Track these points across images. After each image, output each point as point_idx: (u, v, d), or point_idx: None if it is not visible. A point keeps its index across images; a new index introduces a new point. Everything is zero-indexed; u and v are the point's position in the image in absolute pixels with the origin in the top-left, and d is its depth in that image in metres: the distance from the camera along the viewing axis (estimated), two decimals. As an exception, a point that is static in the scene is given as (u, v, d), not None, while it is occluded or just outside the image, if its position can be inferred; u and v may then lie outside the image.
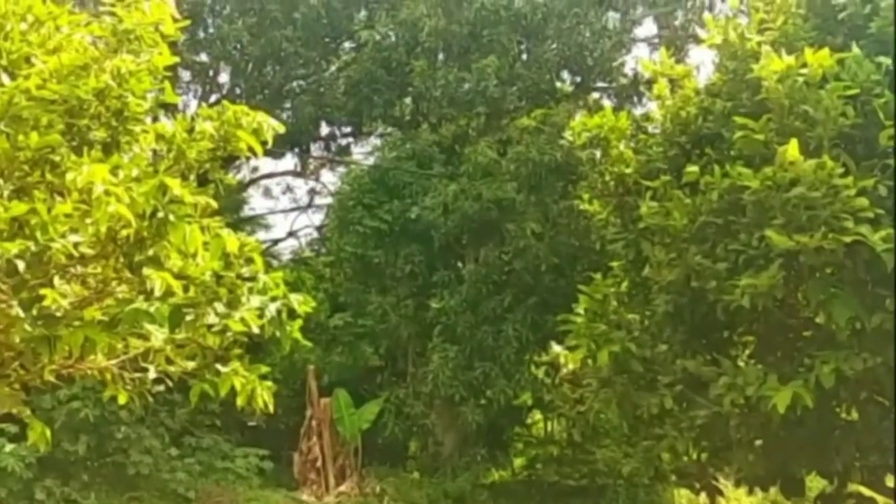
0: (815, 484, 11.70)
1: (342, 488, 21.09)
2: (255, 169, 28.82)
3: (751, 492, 11.91)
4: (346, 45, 25.03)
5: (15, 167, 6.33)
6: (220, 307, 6.39)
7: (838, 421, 10.29)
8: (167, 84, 7.32)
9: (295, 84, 25.34)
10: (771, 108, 9.54)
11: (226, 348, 6.83)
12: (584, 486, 21.84)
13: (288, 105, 24.96)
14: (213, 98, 24.48)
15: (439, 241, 21.63)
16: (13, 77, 6.67)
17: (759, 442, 10.59)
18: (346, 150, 27.33)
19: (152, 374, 7.04)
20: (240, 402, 6.92)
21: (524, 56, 22.64)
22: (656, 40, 24.23)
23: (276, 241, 29.07)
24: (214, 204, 6.42)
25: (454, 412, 21.43)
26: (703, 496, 12.06)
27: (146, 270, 6.10)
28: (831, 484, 10.80)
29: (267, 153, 10.12)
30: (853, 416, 10.27)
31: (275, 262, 25.67)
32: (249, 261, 6.63)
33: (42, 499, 17.80)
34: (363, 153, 27.24)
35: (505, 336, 20.88)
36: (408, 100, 23.48)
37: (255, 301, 6.51)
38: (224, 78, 25.77)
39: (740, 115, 9.78)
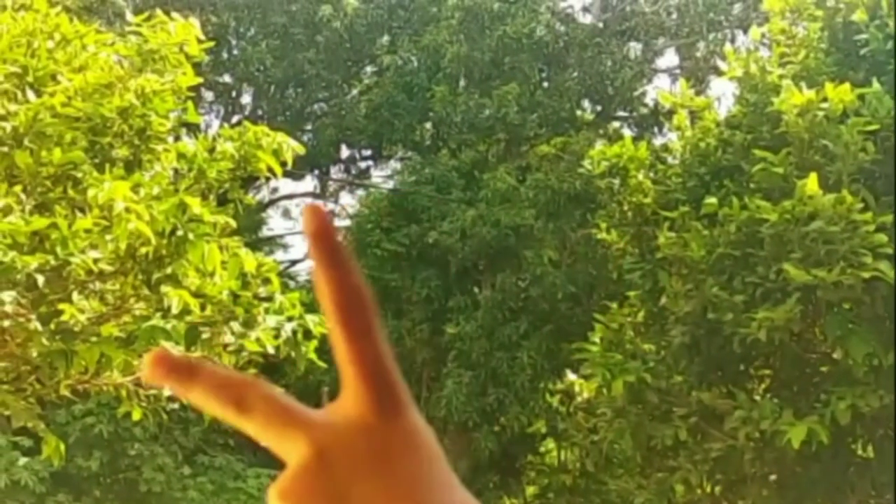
0: (830, 521, 11.58)
1: (353, 512, 21.02)
2: (274, 190, 28.95)
3: (764, 527, 11.80)
4: (368, 69, 25.19)
5: (38, 182, 6.39)
6: (236, 326, 6.42)
7: (854, 458, 10.21)
8: (190, 104, 7.40)
9: (316, 106, 25.48)
10: (791, 141, 9.53)
11: (241, 368, 6.85)
12: (595, 517, 21.66)
13: (309, 127, 25.10)
14: (234, 119, 24.64)
15: (456, 267, 21.64)
16: (39, 94, 6.75)
17: (773, 476, 10.51)
18: (365, 174, 27.43)
19: (167, 392, 7.06)
20: (253, 421, 6.91)
21: (545, 84, 22.70)
22: (677, 71, 24.27)
23: (293, 262, 29.16)
24: (233, 223, 6.46)
25: (467, 438, 21.35)
26: (715, 530, 11.96)
27: (164, 288, 6.14)
28: (845, 521, 10.70)
29: (287, 174, 10.18)
30: (869, 454, 10.19)
31: (292, 283, 25.70)
32: (267, 281, 6.66)
33: (53, 514, 17.81)
34: (382, 176, 27.34)
35: (520, 363, 20.82)
36: (428, 125, 23.56)
37: (272, 321, 6.54)
38: (246, 99, 25.95)
39: (760, 148, 9.78)
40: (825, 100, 9.37)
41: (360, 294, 0.55)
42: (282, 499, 0.52)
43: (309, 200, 29.69)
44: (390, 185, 25.42)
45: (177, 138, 7.64)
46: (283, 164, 7.04)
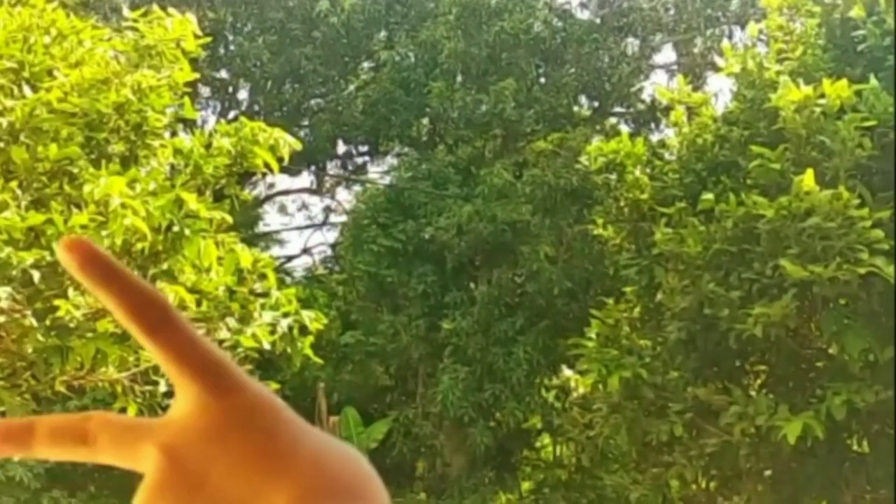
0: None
1: (349, 507, 21.02)
2: (271, 185, 28.93)
3: (759, 522, 11.82)
4: (365, 64, 25.17)
5: (34, 178, 6.38)
6: (232, 322, 6.42)
7: (849, 453, 10.23)
8: (186, 100, 7.39)
9: (313, 102, 25.47)
10: (788, 137, 9.54)
11: (237, 363, 6.84)
12: (591, 512, 21.68)
13: (306, 123, 25.08)
14: (231, 114, 24.62)
15: (452, 262, 21.64)
16: (35, 89, 6.73)
17: (768, 472, 10.53)
18: (362, 169, 27.42)
19: (162, 388, 7.06)
20: (249, 417, 6.90)
21: (542, 80, 22.69)
22: (675, 67, 24.27)
23: (289, 258, 29.13)
24: (230, 219, 6.46)
25: (463, 434, 21.37)
26: (711, 525, 11.98)
27: (160, 284, 6.13)
28: (841, 516, 10.72)
29: (283, 170, 10.17)
30: (864, 449, 10.20)
31: (288, 279, 25.71)
32: (263, 277, 6.66)
33: (49, 509, 17.80)
34: (379, 172, 27.33)
35: (516, 358, 20.84)
36: (425, 120, 23.56)
37: (268, 317, 6.54)
38: (243, 95, 25.92)
39: (757, 144, 9.79)
40: (822, 96, 9.38)
41: (144, 293, 0.54)
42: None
43: (305, 196, 29.68)
44: (387, 180, 25.41)
45: (173, 134, 7.63)
46: (280, 159, 7.04)
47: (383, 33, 24.38)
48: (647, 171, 11.70)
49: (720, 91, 19.06)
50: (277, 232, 30.01)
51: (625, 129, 21.08)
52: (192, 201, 6.02)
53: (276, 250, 28.24)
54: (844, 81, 9.40)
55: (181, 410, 0.54)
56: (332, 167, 27.70)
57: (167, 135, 7.42)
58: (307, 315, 6.76)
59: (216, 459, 0.52)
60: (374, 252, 22.09)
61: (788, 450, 9.33)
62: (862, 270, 8.56)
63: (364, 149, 26.93)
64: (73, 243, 0.54)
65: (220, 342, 6.44)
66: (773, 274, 9.28)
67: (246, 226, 24.35)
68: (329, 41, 23.92)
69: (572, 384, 12.08)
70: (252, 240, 23.32)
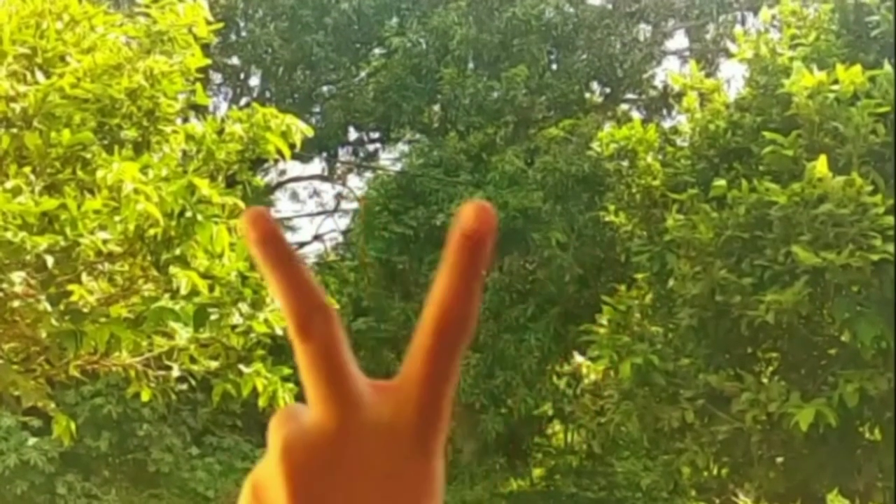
0: (837, 503, 11.61)
1: (360, 493, 21.09)
2: (282, 172, 28.97)
3: (771, 509, 11.83)
4: (377, 51, 25.13)
5: (47, 163, 6.41)
6: (244, 307, 6.43)
7: (861, 440, 10.22)
8: (198, 86, 7.39)
9: (325, 89, 25.45)
10: (801, 123, 9.50)
11: (249, 349, 6.87)
12: (602, 499, 21.73)
13: (317, 109, 25.08)
14: (243, 101, 24.62)
15: (464, 249, 21.62)
16: (48, 75, 6.75)
17: (780, 459, 10.53)
18: (373, 156, 27.42)
19: (176, 373, 7.09)
20: (262, 402, 6.96)
21: (554, 66, 22.62)
22: (687, 53, 24.16)
23: (301, 245, 29.19)
24: (242, 205, 6.47)
25: (474, 420, 21.41)
26: (722, 512, 11.99)
27: (173, 269, 6.15)
28: (852, 503, 10.71)
29: (295, 157, 10.18)
30: (876, 436, 10.19)
31: (299, 266, 25.76)
32: (275, 262, 6.66)
33: (63, 493, 17.94)
34: (391, 159, 27.32)
35: (527, 345, 20.85)
36: (436, 107, 23.53)
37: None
38: (255, 81, 25.92)
39: (770, 131, 9.75)
40: (835, 82, 9.34)
41: (469, 311, 0.51)
42: (285, 447, 0.50)
43: (317, 183, 29.72)
44: (398, 167, 25.40)
45: (185, 120, 7.64)
46: (292, 146, 7.05)
47: (395, 19, 24.32)
48: (659, 157, 11.68)
49: (733, 77, 19.01)
50: (289, 218, 30.05)
51: (637, 115, 21.01)
52: (204, 187, 6.03)
53: (287, 237, 28.25)
54: (858, 67, 9.36)
55: (383, 410, 0.51)
56: (344, 154, 27.70)
57: (179, 121, 7.43)
58: (319, 301, 6.77)
59: (361, 488, 0.49)
60: (386, 239, 22.11)
61: (800, 437, 9.33)
62: (875, 257, 8.53)
63: (375, 135, 26.93)
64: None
65: (233, 327, 6.47)
66: (785, 261, 9.26)
67: (258, 212, 24.37)
68: (340, 27, 23.89)
69: (584, 371, 12.08)
70: (264, 226, 23.32)
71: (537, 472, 24.07)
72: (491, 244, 0.52)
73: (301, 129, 7.04)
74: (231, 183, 7.16)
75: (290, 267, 0.52)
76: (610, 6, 22.91)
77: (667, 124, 16.81)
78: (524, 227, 20.90)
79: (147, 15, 7.34)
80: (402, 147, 26.49)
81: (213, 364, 7.02)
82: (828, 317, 9.52)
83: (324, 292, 0.54)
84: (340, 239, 29.09)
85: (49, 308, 5.96)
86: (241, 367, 6.94)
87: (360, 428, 0.49)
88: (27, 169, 6.32)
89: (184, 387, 7.40)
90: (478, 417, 21.31)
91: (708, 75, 12.79)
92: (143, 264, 6.38)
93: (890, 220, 8.64)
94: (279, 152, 7.07)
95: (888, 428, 9.93)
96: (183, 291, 6.06)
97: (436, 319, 0.51)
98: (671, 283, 10.96)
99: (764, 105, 10.60)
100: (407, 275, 22.06)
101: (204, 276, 6.19)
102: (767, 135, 9.64)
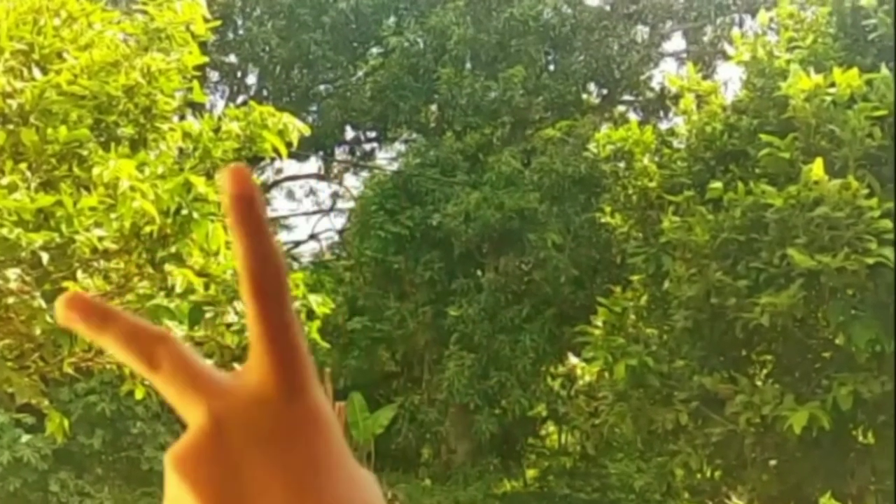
0: (830, 506, 11.62)
1: (354, 492, 21.06)
2: (279, 170, 28.96)
3: (764, 512, 11.84)
4: (374, 50, 25.13)
5: (43, 160, 6.39)
6: (239, 306, 6.42)
7: (854, 444, 10.23)
8: (195, 83, 7.38)
9: (322, 88, 25.45)
10: (797, 126, 9.51)
11: (244, 348, 6.86)
12: (595, 500, 21.74)
13: (314, 108, 25.07)
14: (240, 99, 24.61)
15: (459, 249, 21.64)
16: (45, 72, 6.74)
17: (773, 462, 10.54)
18: (370, 155, 27.42)
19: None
20: (256, 401, 6.93)
21: (551, 67, 22.64)
22: (684, 55, 24.19)
23: (297, 244, 29.19)
24: (238, 203, 6.45)
25: (468, 420, 21.42)
26: (715, 514, 12.00)
27: (168, 267, 6.15)
28: (845, 507, 10.73)
29: (291, 155, 10.18)
30: (869, 440, 10.20)
31: (295, 264, 25.78)
32: (270, 261, 6.66)
33: (56, 491, 17.91)
34: (387, 158, 27.32)
35: (522, 346, 20.86)
36: (433, 107, 23.53)
37: (275, 301, 6.54)
38: (252, 79, 25.91)
39: (766, 133, 9.76)
40: (832, 85, 9.35)
41: (275, 264, 0.53)
42: (175, 464, 0.51)
43: (313, 182, 29.70)
44: (395, 167, 25.41)
45: (182, 117, 7.63)
46: (289, 144, 7.04)
47: (392, 19, 24.32)
48: (656, 159, 11.68)
49: (730, 79, 18.98)
50: (285, 217, 30.04)
51: (633, 116, 21.05)
52: (200, 185, 6.02)
53: (283, 235, 28.30)
54: (855, 70, 9.37)
55: (247, 385, 0.53)
56: (340, 153, 27.71)
57: (176, 118, 7.43)
58: (314, 300, 6.77)
59: (258, 456, 0.51)
60: (382, 238, 22.10)
61: (794, 440, 9.34)
62: (870, 261, 8.55)
63: (372, 135, 26.92)
64: (240, 171, 0.54)
65: (228, 326, 6.46)
66: (780, 263, 9.27)
67: (253, 211, 24.33)
68: (338, 26, 23.88)
69: (578, 372, 12.08)
70: (259, 225, 23.27)
71: (531, 473, 24.08)
72: (258, 197, 0.54)
73: (298, 128, 7.04)
74: (227, 181, 7.15)
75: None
76: (608, 8, 22.93)
77: (663, 126, 16.83)
78: (520, 228, 20.91)
79: (144, 12, 7.33)
80: (399, 146, 26.49)
81: (208, 362, 6.99)
82: (822, 320, 9.54)
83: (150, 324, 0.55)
84: (336, 238, 29.08)
85: (44, 305, 5.95)
86: (236, 365, 6.92)
87: (233, 410, 0.52)
88: (23, 165, 6.31)
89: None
90: (472, 418, 21.31)
91: (705, 77, 12.81)
92: (139, 262, 6.37)
93: (885, 223, 8.65)
94: (276, 151, 7.07)
95: (882, 431, 9.95)
96: (178, 289, 6.05)
97: (250, 284, 0.52)
98: (666, 284, 10.97)
99: (761, 108, 10.61)
100: (402, 274, 22.06)
101: (199, 273, 6.19)
102: (764, 137, 9.65)
